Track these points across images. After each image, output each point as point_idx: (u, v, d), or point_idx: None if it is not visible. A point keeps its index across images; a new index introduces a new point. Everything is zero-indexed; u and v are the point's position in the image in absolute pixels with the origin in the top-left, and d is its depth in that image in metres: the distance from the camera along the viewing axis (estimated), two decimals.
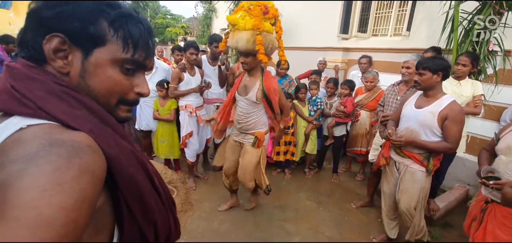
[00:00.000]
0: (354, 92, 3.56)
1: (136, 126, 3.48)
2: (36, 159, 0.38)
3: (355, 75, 4.08)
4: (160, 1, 21.98)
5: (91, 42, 0.50)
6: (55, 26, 0.47)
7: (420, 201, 2.04)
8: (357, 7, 5.14)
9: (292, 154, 3.57)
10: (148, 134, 3.53)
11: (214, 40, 3.20)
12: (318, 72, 4.09)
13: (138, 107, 3.39)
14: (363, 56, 3.74)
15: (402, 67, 2.48)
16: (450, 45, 2.77)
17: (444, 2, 2.81)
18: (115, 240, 0.53)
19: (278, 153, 3.55)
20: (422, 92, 2.03)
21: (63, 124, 0.45)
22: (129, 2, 17.54)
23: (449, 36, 2.78)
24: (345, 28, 5.25)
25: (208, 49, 3.52)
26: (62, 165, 0.38)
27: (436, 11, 3.07)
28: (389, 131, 2.07)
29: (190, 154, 3.10)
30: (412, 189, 2.03)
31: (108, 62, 0.52)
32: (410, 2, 4.32)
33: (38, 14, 0.48)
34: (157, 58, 4.75)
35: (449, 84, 2.59)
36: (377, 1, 4.88)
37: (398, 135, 2.02)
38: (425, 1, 3.85)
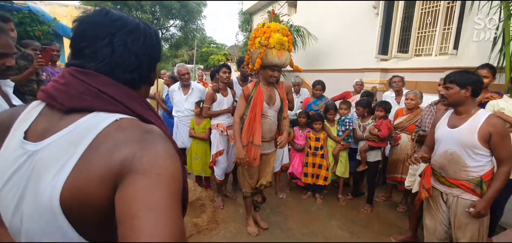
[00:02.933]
0: (392, 114, 3.32)
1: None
2: (148, 141, 0.53)
3: (388, 96, 3.84)
4: (206, 31, 23.81)
5: (156, 61, 0.71)
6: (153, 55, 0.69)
7: (481, 237, 1.78)
8: (396, 28, 4.93)
9: (324, 179, 3.39)
10: (182, 151, 3.71)
11: (243, 61, 3.33)
12: (368, 95, 3.83)
13: (174, 125, 3.61)
14: (394, 76, 3.61)
15: (439, 85, 2.27)
16: (502, 62, 2.46)
17: (490, 17, 2.56)
18: None
19: (305, 175, 3.42)
20: (452, 110, 1.85)
21: (142, 119, 0.60)
22: (179, 34, 19.38)
23: (501, 50, 2.48)
24: (384, 49, 5.03)
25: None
26: (165, 145, 0.55)
27: (484, 28, 2.80)
28: (415, 155, 1.89)
29: (219, 173, 3.16)
30: (471, 225, 1.77)
31: None
32: (456, 20, 4.00)
33: (150, 48, 0.66)
34: (198, 82, 5.11)
35: (504, 103, 2.28)
36: (419, 17, 4.62)
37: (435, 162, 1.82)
38: (473, 18, 3.53)
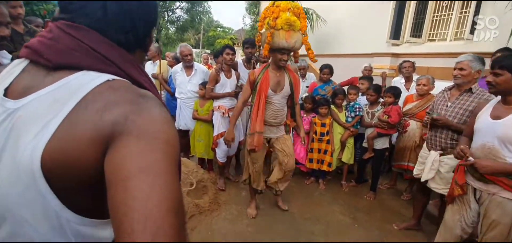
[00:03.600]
0: (402, 100, 3.21)
1: (175, 126, 3.66)
2: (142, 104, 0.49)
3: (397, 81, 3.70)
4: (212, 15, 23.49)
5: (152, 25, 0.65)
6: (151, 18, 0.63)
7: (511, 237, 1.62)
8: (410, 10, 4.71)
9: (329, 165, 3.34)
10: (185, 133, 3.68)
11: (247, 42, 3.24)
12: (368, 79, 3.73)
13: (177, 107, 3.58)
14: (405, 61, 3.46)
15: (455, 69, 2.11)
16: None
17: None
18: None
19: (311, 160, 3.36)
20: (499, 99, 1.66)
21: (136, 84, 0.56)
22: (185, 16, 19.12)
23: None
24: (396, 33, 4.84)
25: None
26: (161, 109, 0.51)
27: (505, 9, 2.62)
28: (461, 146, 1.68)
29: (221, 155, 3.13)
30: (502, 224, 1.61)
31: None
32: (473, 3, 3.78)
33: (146, 9, 0.61)
34: (203, 65, 5.05)
35: None
36: (434, 1, 4.39)
37: (470, 157, 1.64)
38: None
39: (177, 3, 18.06)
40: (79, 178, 0.46)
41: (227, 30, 22.49)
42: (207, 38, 21.31)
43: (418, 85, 2.98)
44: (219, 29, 22.60)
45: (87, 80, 0.50)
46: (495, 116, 1.62)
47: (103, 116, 0.46)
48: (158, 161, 0.43)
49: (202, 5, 19.39)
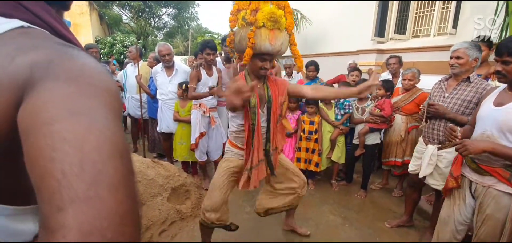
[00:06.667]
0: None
1: (157, 129, 3.50)
2: (70, 52, 0.39)
3: (385, 77, 3.67)
4: (200, 21, 23.42)
5: None
6: None
7: (505, 234, 1.50)
8: (393, 8, 4.73)
9: (316, 165, 3.22)
10: (168, 136, 3.52)
11: (225, 40, 3.14)
12: (356, 69, 3.66)
13: (159, 109, 3.42)
14: (391, 57, 3.41)
15: (451, 58, 1.98)
16: (505, 33, 2.28)
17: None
18: None
19: (298, 160, 3.25)
20: (505, 86, 1.54)
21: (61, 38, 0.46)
22: (173, 22, 18.93)
23: (504, 22, 2.30)
24: (380, 31, 4.84)
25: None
26: (98, 63, 0.41)
27: (486, 3, 2.62)
28: (450, 125, 1.62)
29: (199, 154, 3.01)
30: (495, 219, 1.51)
31: None
32: None
33: None
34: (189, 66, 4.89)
35: None
36: (416, 1, 4.43)
37: (463, 138, 1.55)
38: None
39: (164, 9, 17.87)
40: None
41: (215, 36, 22.44)
42: (196, 44, 21.18)
43: (403, 79, 2.93)
44: (207, 35, 22.55)
45: None
46: (498, 103, 1.52)
47: (15, 60, 0.36)
48: (96, 108, 0.34)
49: (189, 11, 19.22)
